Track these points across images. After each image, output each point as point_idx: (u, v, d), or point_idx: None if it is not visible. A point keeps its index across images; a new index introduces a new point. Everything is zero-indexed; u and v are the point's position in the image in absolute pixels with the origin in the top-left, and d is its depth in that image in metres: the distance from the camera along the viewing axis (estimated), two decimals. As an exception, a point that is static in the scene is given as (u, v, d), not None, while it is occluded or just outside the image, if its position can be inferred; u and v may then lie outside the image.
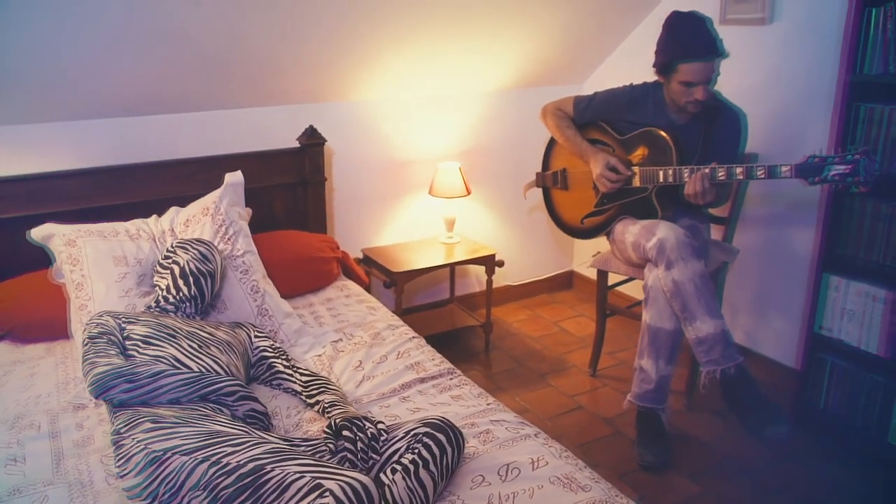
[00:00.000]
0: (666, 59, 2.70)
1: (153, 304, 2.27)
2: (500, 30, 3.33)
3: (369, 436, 1.73)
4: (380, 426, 1.77)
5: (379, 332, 2.56)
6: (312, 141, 3.16)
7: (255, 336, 2.33)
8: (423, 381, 2.25)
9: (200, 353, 2.01)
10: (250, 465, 1.48)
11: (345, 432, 1.73)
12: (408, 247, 3.63)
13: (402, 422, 1.84)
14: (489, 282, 3.59)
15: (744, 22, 3.08)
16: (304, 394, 2.11)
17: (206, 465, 1.50)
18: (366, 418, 1.79)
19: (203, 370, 1.96)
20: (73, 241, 2.47)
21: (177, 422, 1.66)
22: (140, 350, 1.96)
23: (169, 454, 1.54)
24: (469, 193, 3.58)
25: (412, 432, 1.73)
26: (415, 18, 3.03)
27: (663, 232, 2.66)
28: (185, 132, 3.04)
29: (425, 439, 1.69)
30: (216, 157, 3.01)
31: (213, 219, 2.58)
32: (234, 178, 2.67)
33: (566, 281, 4.37)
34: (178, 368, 1.91)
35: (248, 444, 1.56)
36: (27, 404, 2.07)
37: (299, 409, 2.09)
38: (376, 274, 3.45)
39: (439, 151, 3.71)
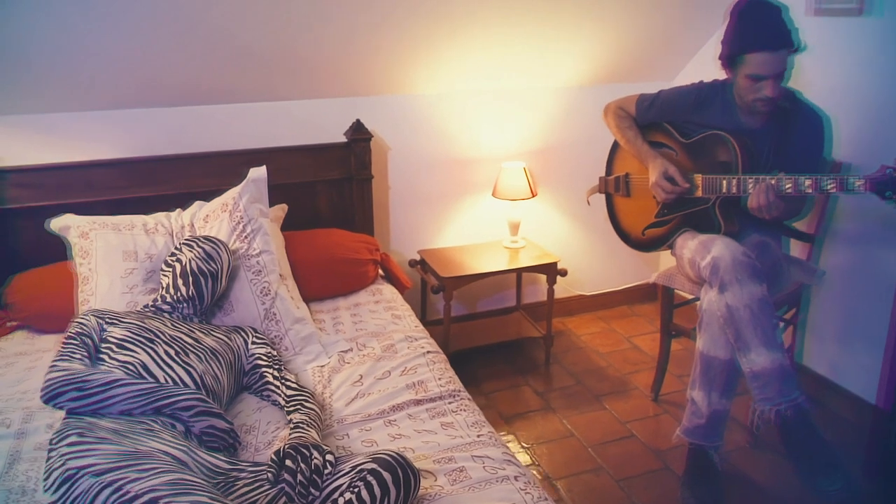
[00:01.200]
0: (732, 50, 2.38)
1: (150, 303, 2.22)
2: (575, 18, 3.08)
3: (312, 468, 1.59)
4: (328, 457, 1.62)
5: (393, 343, 2.40)
6: (358, 136, 3.04)
7: (253, 342, 2.24)
8: (418, 402, 2.07)
9: (174, 360, 1.93)
10: (145, 498, 1.36)
11: (287, 462, 1.59)
12: (468, 250, 3.45)
13: (352, 454, 1.69)
14: (550, 291, 3.35)
15: (836, 12, 2.65)
16: (286, 408, 1.99)
17: (108, 490, 1.39)
18: (316, 447, 1.64)
19: (171, 380, 1.88)
20: (87, 234, 2.48)
21: (103, 437, 1.56)
22: (111, 354, 1.90)
23: (81, 473, 1.46)
24: (534, 195, 3.35)
25: (358, 467, 1.57)
26: (477, 5, 2.85)
27: (718, 249, 2.34)
28: (232, 124, 3.00)
29: (368, 477, 1.53)
30: (258, 150, 2.95)
31: (231, 215, 2.50)
32: (257, 173, 2.58)
33: (650, 293, 4.02)
34: (143, 377, 1.84)
35: (155, 471, 1.44)
36: (10, 399, 2.05)
37: (279, 424, 1.97)
38: (430, 279, 3.29)
39: (504, 150, 3.49)
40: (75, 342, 1.91)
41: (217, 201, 2.60)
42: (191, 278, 2.19)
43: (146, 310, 2.20)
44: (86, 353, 1.90)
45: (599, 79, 3.49)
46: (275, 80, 2.95)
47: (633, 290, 3.99)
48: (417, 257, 3.42)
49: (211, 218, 2.55)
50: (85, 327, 1.99)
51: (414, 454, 1.81)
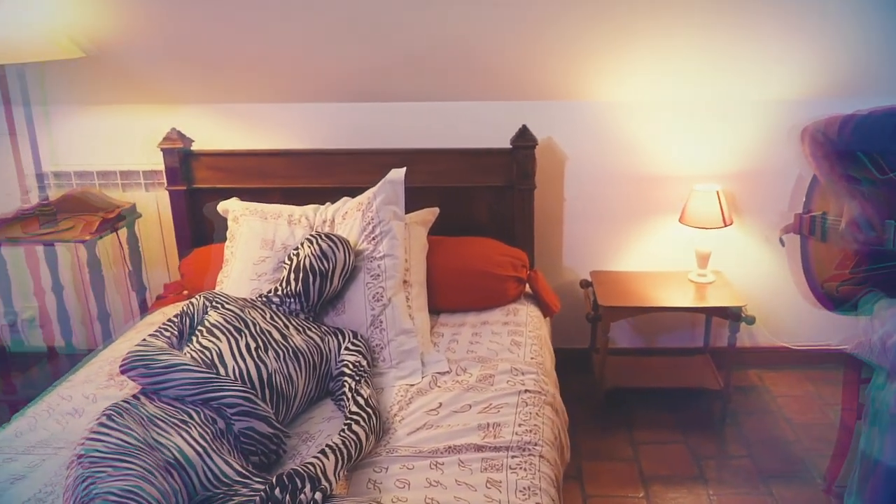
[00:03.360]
0: None
1: (265, 293, 2.26)
2: (799, 18, 2.62)
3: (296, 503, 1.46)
4: (316, 496, 1.49)
5: (493, 374, 2.18)
6: (522, 142, 2.82)
7: (346, 348, 2.17)
8: (480, 449, 1.83)
9: (250, 354, 1.94)
10: (98, 501, 1.35)
11: (276, 491, 1.48)
12: (646, 277, 3.08)
13: (344, 497, 1.53)
14: (732, 340, 2.87)
15: None
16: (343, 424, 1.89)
17: (84, 483, 1.42)
18: (313, 479, 1.52)
19: (238, 372, 1.88)
20: (237, 218, 2.62)
21: (124, 425, 1.58)
22: (199, 338, 1.98)
23: (81, 458, 1.49)
24: (727, 224, 2.89)
25: (339, 515, 1.42)
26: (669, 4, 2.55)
27: (904, 328, 1.80)
28: (398, 122, 3.02)
29: (339, 529, 1.37)
30: (414, 150, 2.88)
31: (364, 215, 2.45)
32: (395, 175, 2.49)
33: (883, 357, 3.29)
34: (215, 365, 1.87)
35: (127, 474, 1.43)
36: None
37: (337, 439, 1.87)
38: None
39: (697, 170, 3.03)
40: (174, 321, 2.03)
41: (356, 200, 2.57)
42: (301, 274, 2.21)
43: (258, 299, 2.23)
44: (176, 333, 2.01)
45: (824, 91, 2.86)
46: (447, 80, 2.92)
47: (857, 352, 3.30)
48: (589, 278, 3.12)
49: (348, 216, 2.53)
50: (191, 308, 2.10)
51: (437, 510, 1.61)
